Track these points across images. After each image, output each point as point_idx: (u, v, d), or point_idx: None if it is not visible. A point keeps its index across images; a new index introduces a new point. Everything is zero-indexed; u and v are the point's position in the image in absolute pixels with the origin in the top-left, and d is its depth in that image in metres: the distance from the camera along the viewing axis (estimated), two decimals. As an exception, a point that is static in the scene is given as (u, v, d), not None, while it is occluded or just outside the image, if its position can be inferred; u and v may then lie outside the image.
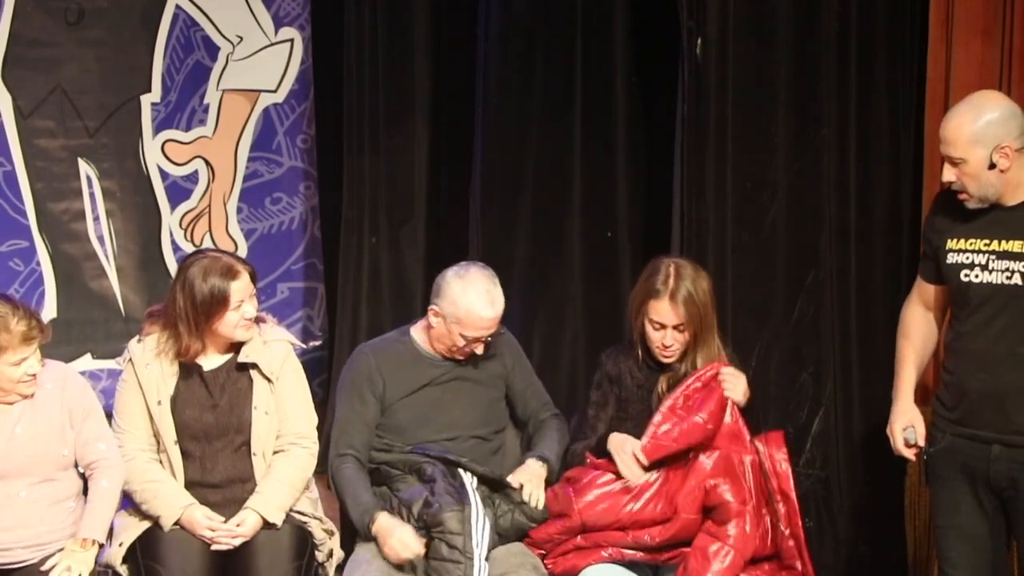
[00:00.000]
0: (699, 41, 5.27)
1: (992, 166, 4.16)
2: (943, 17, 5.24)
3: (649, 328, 4.63)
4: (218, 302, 4.57)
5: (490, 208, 5.57)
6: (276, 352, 4.70)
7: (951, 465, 4.33)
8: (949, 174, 4.22)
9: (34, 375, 4.44)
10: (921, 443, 4.38)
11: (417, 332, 4.72)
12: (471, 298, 4.55)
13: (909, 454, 4.43)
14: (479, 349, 4.64)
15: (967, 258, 4.26)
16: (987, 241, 4.24)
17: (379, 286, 5.68)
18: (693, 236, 5.31)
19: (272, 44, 5.84)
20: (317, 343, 5.94)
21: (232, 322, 4.60)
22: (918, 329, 4.49)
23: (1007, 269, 4.20)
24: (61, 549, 4.42)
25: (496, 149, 5.55)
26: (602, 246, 5.62)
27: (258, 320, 4.74)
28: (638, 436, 4.59)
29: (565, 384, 5.56)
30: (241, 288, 4.59)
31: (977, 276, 4.24)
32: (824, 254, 5.42)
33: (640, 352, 4.70)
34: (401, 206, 5.67)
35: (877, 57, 5.39)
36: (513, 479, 4.60)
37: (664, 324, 4.61)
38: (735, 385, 4.59)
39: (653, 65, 5.59)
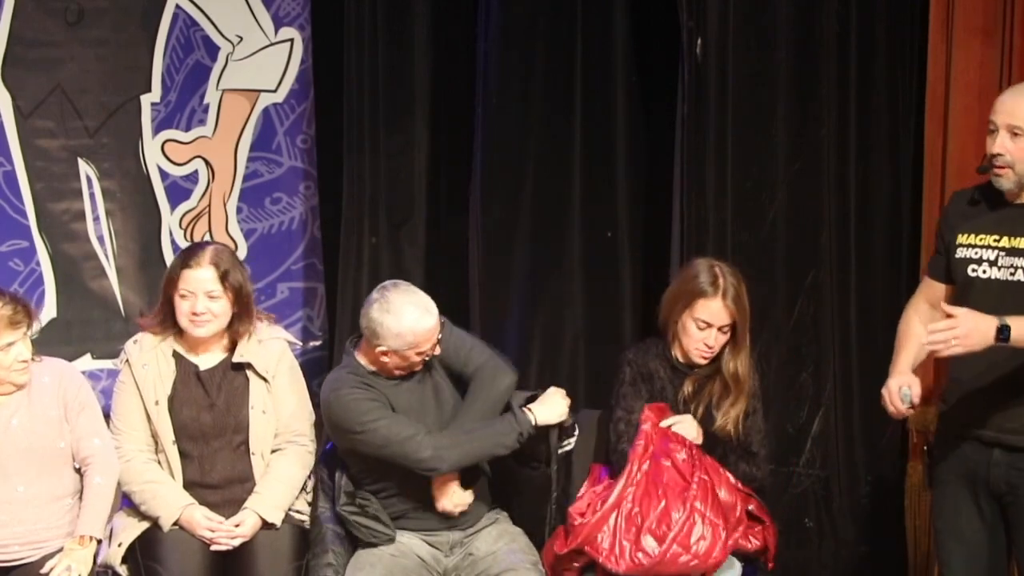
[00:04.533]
0: (699, 41, 5.27)
1: None
2: (943, 17, 5.25)
3: (692, 327, 4.63)
4: (168, 280, 4.62)
5: (490, 208, 5.57)
6: (271, 351, 4.70)
7: (953, 469, 4.32)
8: (1001, 147, 4.15)
9: (26, 361, 4.44)
10: (916, 402, 4.32)
11: (369, 366, 4.59)
12: (409, 321, 4.47)
13: (904, 409, 4.31)
14: (436, 350, 4.60)
15: (976, 253, 4.24)
16: (997, 237, 4.21)
17: (379, 286, 5.68)
18: (693, 236, 5.31)
19: (272, 44, 5.83)
20: (317, 343, 5.93)
21: (182, 311, 4.60)
22: (920, 321, 4.44)
23: (1012, 266, 4.18)
24: (60, 549, 4.42)
25: (496, 149, 5.55)
26: (602, 246, 5.62)
27: (258, 318, 4.74)
28: None
29: (565, 385, 5.54)
30: (194, 278, 4.58)
31: (984, 272, 4.22)
32: (824, 254, 5.42)
33: (672, 352, 4.70)
34: (401, 206, 5.66)
35: (877, 57, 5.40)
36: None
37: (711, 324, 4.62)
38: (686, 428, 4.61)
39: (653, 65, 5.59)
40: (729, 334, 4.65)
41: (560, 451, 4.69)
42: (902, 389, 4.31)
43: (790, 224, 5.42)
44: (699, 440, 4.59)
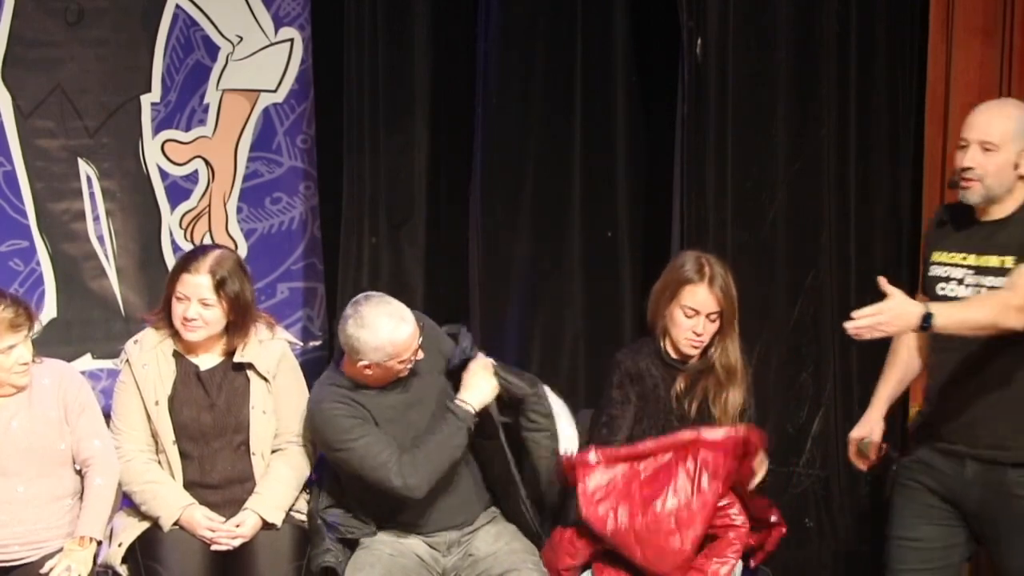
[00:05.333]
0: (699, 41, 5.28)
1: (1015, 167, 4.16)
2: (943, 17, 5.26)
3: (680, 316, 4.63)
4: (169, 281, 4.64)
5: (490, 208, 5.57)
6: (272, 351, 4.70)
7: (921, 478, 4.31)
8: (971, 160, 4.16)
9: (26, 364, 4.44)
10: (871, 457, 4.43)
11: (352, 378, 4.59)
12: (385, 334, 4.45)
13: (859, 464, 4.48)
14: (419, 355, 4.58)
15: (945, 271, 4.25)
16: (965, 255, 4.22)
17: (379, 286, 5.66)
18: (693, 236, 5.31)
19: (272, 44, 5.84)
20: (317, 343, 5.94)
21: (176, 313, 4.60)
22: (907, 344, 4.47)
23: (978, 284, 4.17)
24: (60, 549, 4.43)
25: (496, 149, 5.55)
26: (602, 246, 5.62)
27: (267, 325, 4.75)
28: (654, 434, 4.60)
29: (565, 385, 5.55)
30: (190, 283, 4.58)
31: (952, 290, 4.22)
32: (824, 254, 5.42)
33: (662, 346, 4.70)
34: (401, 206, 5.67)
35: (877, 57, 5.40)
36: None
37: (698, 311, 4.62)
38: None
39: (653, 65, 5.59)
40: (717, 323, 4.65)
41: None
42: (863, 441, 4.39)
43: (790, 224, 5.42)
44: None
